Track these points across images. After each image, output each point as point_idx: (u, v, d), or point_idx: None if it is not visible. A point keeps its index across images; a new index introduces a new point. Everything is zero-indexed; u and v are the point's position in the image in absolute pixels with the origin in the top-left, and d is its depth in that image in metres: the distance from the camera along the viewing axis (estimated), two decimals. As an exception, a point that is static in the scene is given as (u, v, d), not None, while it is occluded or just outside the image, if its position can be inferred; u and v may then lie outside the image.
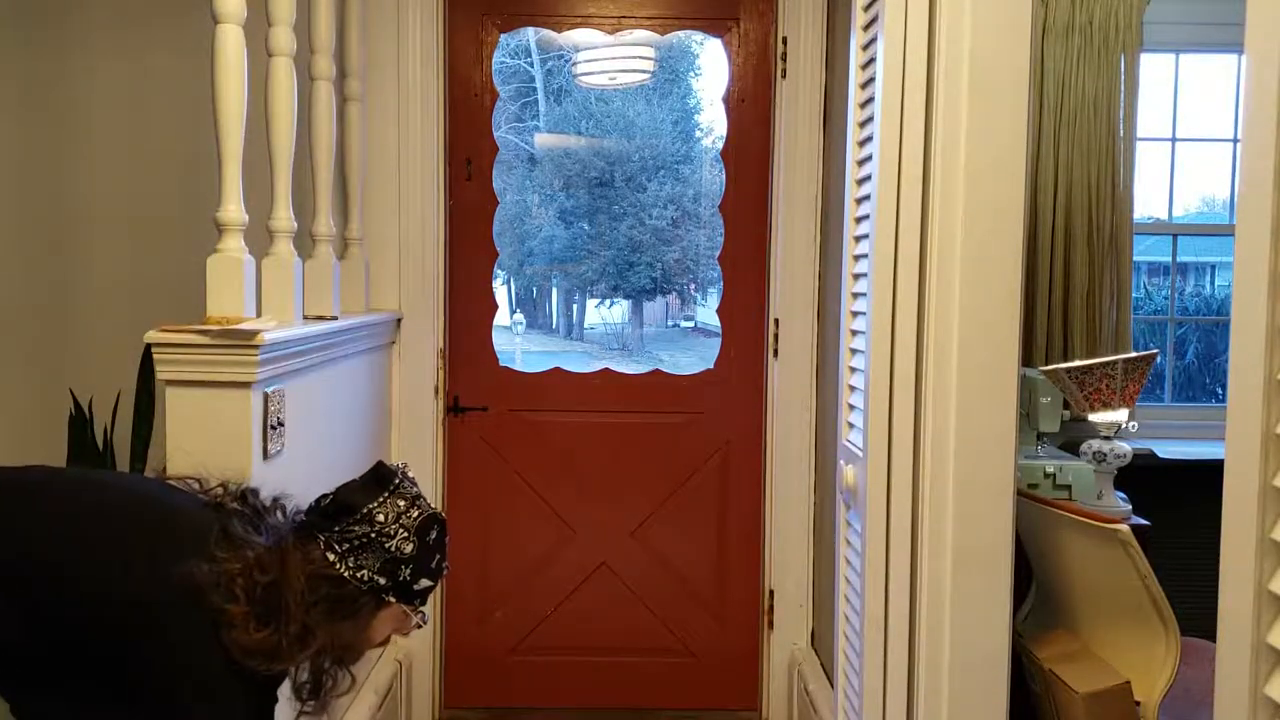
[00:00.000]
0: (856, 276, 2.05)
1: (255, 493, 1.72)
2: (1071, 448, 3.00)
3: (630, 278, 5.47)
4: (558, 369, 3.41)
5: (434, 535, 1.66)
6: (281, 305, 2.25)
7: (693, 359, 4.66)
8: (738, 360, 3.32)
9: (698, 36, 3.52)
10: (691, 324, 6.11)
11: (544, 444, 3.31)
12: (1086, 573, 2.32)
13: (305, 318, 2.41)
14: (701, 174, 4.46)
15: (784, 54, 3.12)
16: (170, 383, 1.92)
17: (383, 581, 1.61)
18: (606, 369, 3.43)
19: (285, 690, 1.76)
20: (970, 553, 1.81)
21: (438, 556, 1.67)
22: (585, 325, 6.20)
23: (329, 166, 2.66)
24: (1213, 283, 5.20)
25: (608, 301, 6.01)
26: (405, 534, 1.62)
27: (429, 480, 3.16)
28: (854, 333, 2.06)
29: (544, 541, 3.32)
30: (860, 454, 1.94)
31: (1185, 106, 3.86)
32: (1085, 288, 3.50)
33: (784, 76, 3.13)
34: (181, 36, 3.01)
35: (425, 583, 1.66)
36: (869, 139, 1.94)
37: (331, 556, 1.59)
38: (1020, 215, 1.78)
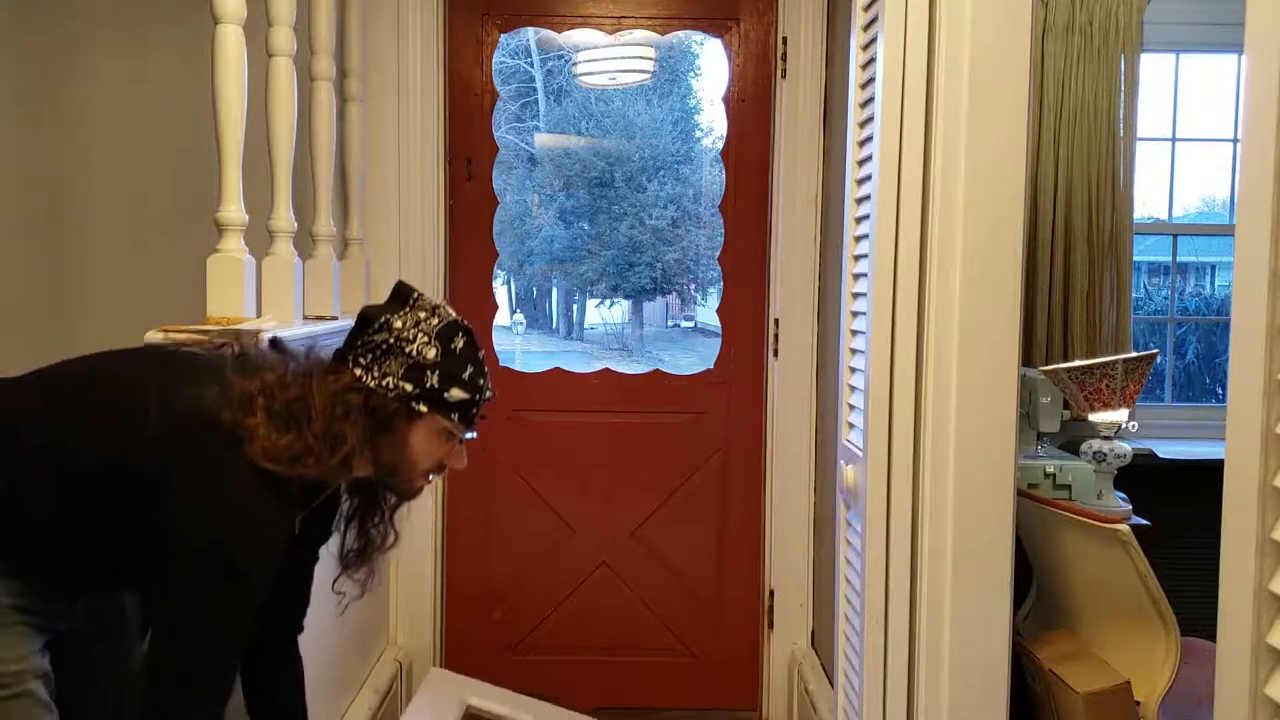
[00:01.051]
0: (856, 276, 2.05)
1: (279, 340, 1.71)
2: (1071, 448, 3.00)
3: (630, 278, 5.47)
4: (558, 369, 3.41)
5: (460, 343, 1.63)
6: (282, 305, 2.25)
7: (693, 359, 4.67)
8: (738, 360, 3.32)
9: (698, 36, 3.52)
10: (691, 324, 6.11)
11: (544, 444, 3.31)
12: (1086, 573, 2.32)
13: (305, 318, 2.41)
14: (701, 174, 4.46)
15: (784, 54, 3.12)
16: (170, 383, 1.92)
17: (409, 389, 1.58)
18: (606, 369, 3.43)
19: (331, 549, 1.73)
20: (970, 552, 1.81)
21: (470, 368, 1.63)
22: (585, 325, 6.21)
23: (329, 166, 2.66)
24: (1213, 283, 5.21)
25: (608, 301, 6.01)
26: (426, 339, 1.59)
27: (429, 480, 3.16)
28: (854, 333, 2.06)
29: (544, 541, 3.32)
30: (860, 454, 1.94)
31: (1185, 106, 3.86)
32: (1085, 288, 3.50)
33: (784, 76, 3.13)
34: (181, 37, 3.01)
35: (458, 393, 1.61)
36: (869, 139, 1.94)
37: (357, 371, 1.58)
38: (1020, 215, 1.78)
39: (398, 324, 1.59)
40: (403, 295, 1.63)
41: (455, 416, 1.64)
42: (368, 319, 1.60)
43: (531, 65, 4.67)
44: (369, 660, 2.93)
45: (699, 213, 4.59)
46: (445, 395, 1.60)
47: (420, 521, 3.12)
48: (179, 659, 1.48)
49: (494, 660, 3.29)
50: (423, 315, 1.62)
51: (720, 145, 3.33)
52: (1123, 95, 3.47)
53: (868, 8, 1.97)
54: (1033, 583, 2.59)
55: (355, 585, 1.77)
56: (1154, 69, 3.75)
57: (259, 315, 2.09)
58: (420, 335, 1.59)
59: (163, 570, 1.47)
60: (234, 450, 1.48)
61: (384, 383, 1.57)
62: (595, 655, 3.33)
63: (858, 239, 2.05)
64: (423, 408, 1.59)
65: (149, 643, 1.52)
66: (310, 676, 1.90)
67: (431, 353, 1.59)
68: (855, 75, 2.07)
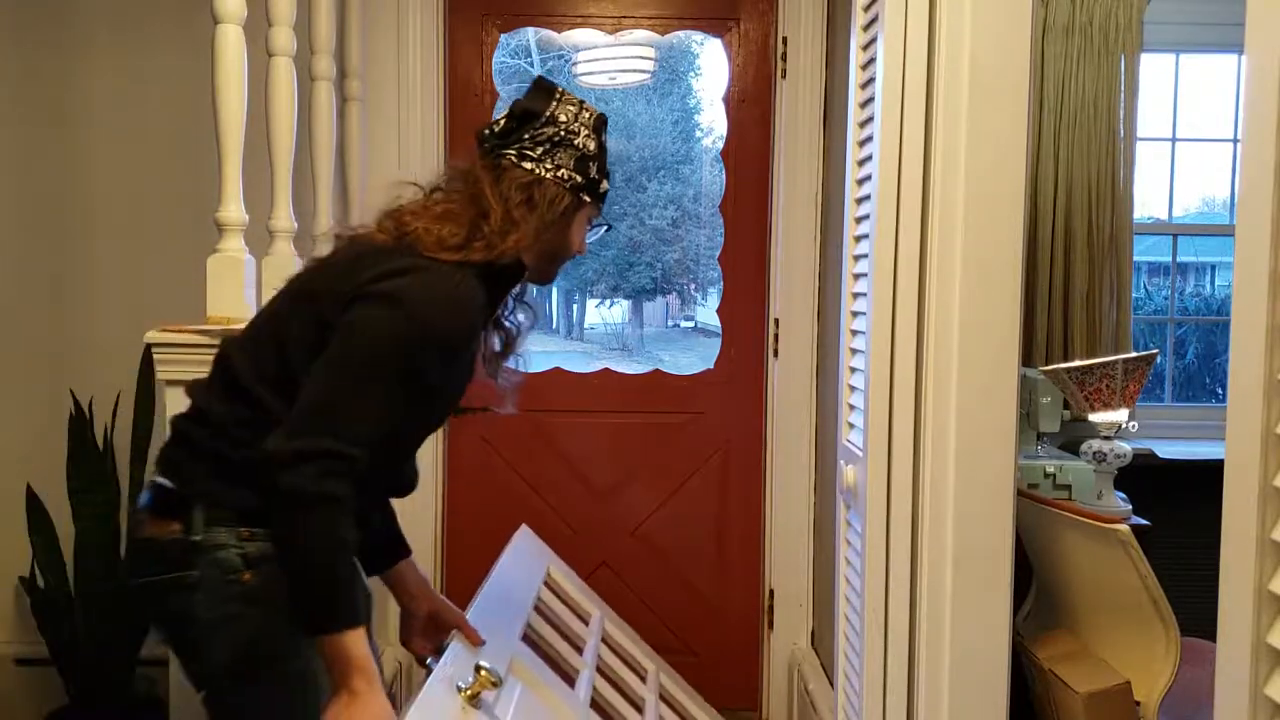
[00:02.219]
0: (856, 276, 2.05)
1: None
2: (1072, 448, 3.00)
3: (630, 278, 5.47)
4: (558, 369, 3.40)
5: (606, 136, 1.73)
6: (282, 305, 2.25)
7: (693, 359, 4.66)
8: (738, 360, 3.32)
9: (698, 36, 3.51)
10: (691, 324, 6.12)
11: (544, 444, 3.31)
12: (1087, 573, 2.32)
13: (305, 318, 2.41)
14: (701, 174, 4.46)
15: (784, 54, 3.12)
16: (170, 382, 1.92)
17: (579, 179, 1.67)
18: (606, 369, 3.43)
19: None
20: (970, 552, 1.81)
21: (606, 158, 1.74)
22: (585, 325, 6.21)
23: (329, 166, 2.66)
24: (1213, 283, 5.21)
25: (608, 301, 6.01)
26: (587, 131, 1.68)
27: (430, 479, 3.16)
28: (854, 333, 2.06)
29: (543, 541, 3.31)
30: (860, 454, 1.94)
31: (1185, 106, 3.86)
32: (1085, 288, 3.50)
33: (784, 76, 3.13)
34: (182, 36, 3.01)
35: (606, 185, 1.73)
36: (869, 139, 1.94)
37: (528, 164, 1.64)
38: (1020, 215, 1.78)
39: (562, 117, 1.67)
40: (549, 87, 1.70)
41: (601, 205, 1.76)
42: (533, 113, 1.66)
43: (532, 65, 4.67)
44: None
45: (699, 213, 4.59)
46: (599, 187, 1.72)
47: (420, 523, 3.12)
48: (349, 394, 1.48)
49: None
50: (574, 107, 1.69)
51: (720, 145, 3.32)
52: (1123, 95, 3.47)
53: (868, 8, 1.97)
54: (1033, 583, 2.59)
55: (514, 374, 1.82)
56: (1154, 69, 3.75)
57: (259, 315, 2.09)
58: (582, 129, 1.68)
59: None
60: (413, 257, 1.56)
61: (559, 174, 1.66)
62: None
63: (858, 239, 2.05)
64: (586, 198, 1.70)
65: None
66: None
67: (592, 145, 1.69)
68: (855, 75, 2.07)
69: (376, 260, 1.55)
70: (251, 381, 1.54)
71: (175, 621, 1.54)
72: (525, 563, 2.48)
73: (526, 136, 1.65)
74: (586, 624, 2.48)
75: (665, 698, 2.54)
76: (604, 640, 2.48)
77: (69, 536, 2.76)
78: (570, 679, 2.12)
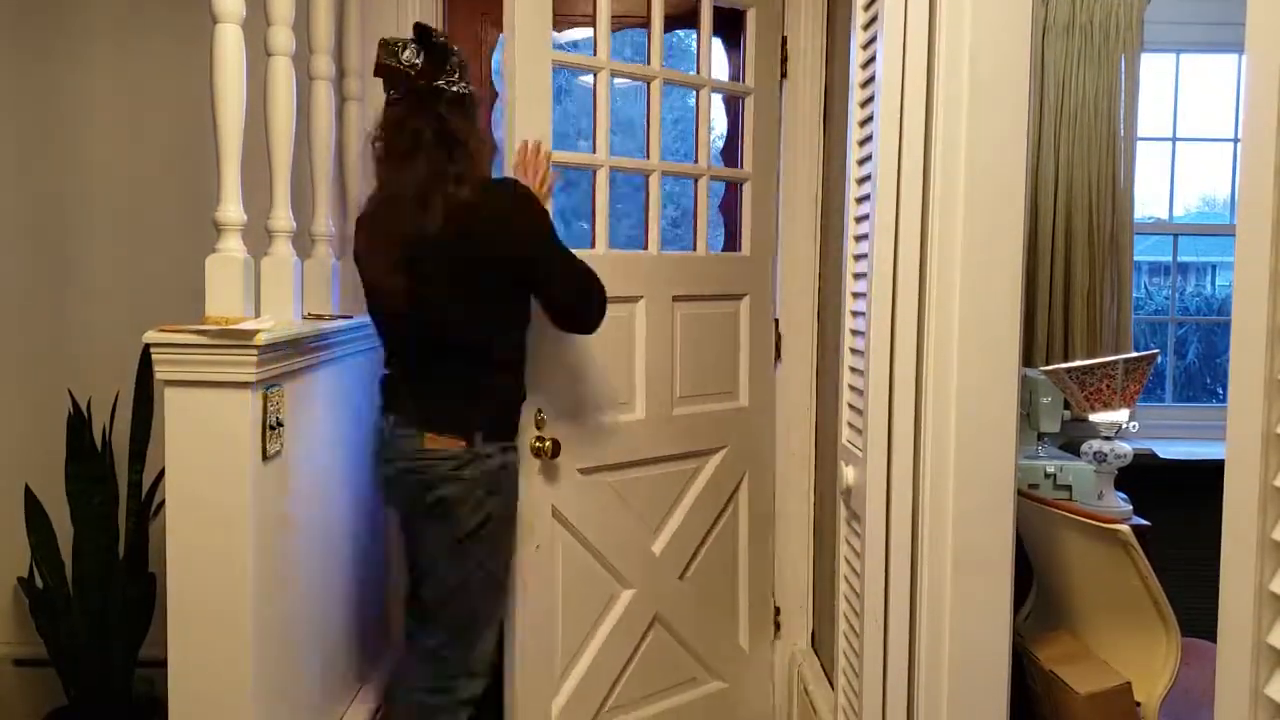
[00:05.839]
0: (857, 276, 2.04)
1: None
2: (1072, 448, 3.00)
3: (630, 277, 5.45)
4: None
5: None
6: (280, 305, 2.25)
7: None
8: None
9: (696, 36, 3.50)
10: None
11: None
12: (1087, 573, 2.32)
13: (304, 317, 2.41)
14: (701, 174, 4.45)
15: (784, 54, 3.11)
16: (169, 383, 1.92)
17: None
18: (606, 369, 3.42)
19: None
20: (971, 553, 1.81)
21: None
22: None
23: (328, 166, 2.66)
24: (1213, 282, 5.21)
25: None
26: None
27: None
28: (854, 333, 2.06)
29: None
30: (860, 455, 1.94)
31: (1186, 106, 3.86)
32: (1086, 288, 3.50)
33: (784, 76, 3.12)
34: (180, 36, 3.01)
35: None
36: (869, 138, 1.94)
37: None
38: (1021, 215, 1.78)
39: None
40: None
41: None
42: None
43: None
44: (375, 659, 2.93)
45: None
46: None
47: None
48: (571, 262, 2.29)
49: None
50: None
51: (720, 144, 3.32)
52: (1123, 95, 3.47)
53: (868, 7, 1.97)
54: (1033, 583, 2.59)
55: None
56: (1154, 69, 3.75)
57: (257, 315, 2.08)
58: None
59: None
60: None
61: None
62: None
63: (858, 239, 2.04)
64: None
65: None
66: (309, 675, 1.91)
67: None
68: (855, 75, 2.07)
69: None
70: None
71: (445, 501, 2.22)
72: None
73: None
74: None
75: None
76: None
77: (68, 537, 2.76)
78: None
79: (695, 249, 2.94)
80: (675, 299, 2.83)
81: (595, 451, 2.68)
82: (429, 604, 2.33)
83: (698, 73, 2.94)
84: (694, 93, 2.98)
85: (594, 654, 2.74)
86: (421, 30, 2.19)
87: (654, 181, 2.81)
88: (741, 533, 3.10)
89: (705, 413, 2.96)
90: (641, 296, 2.75)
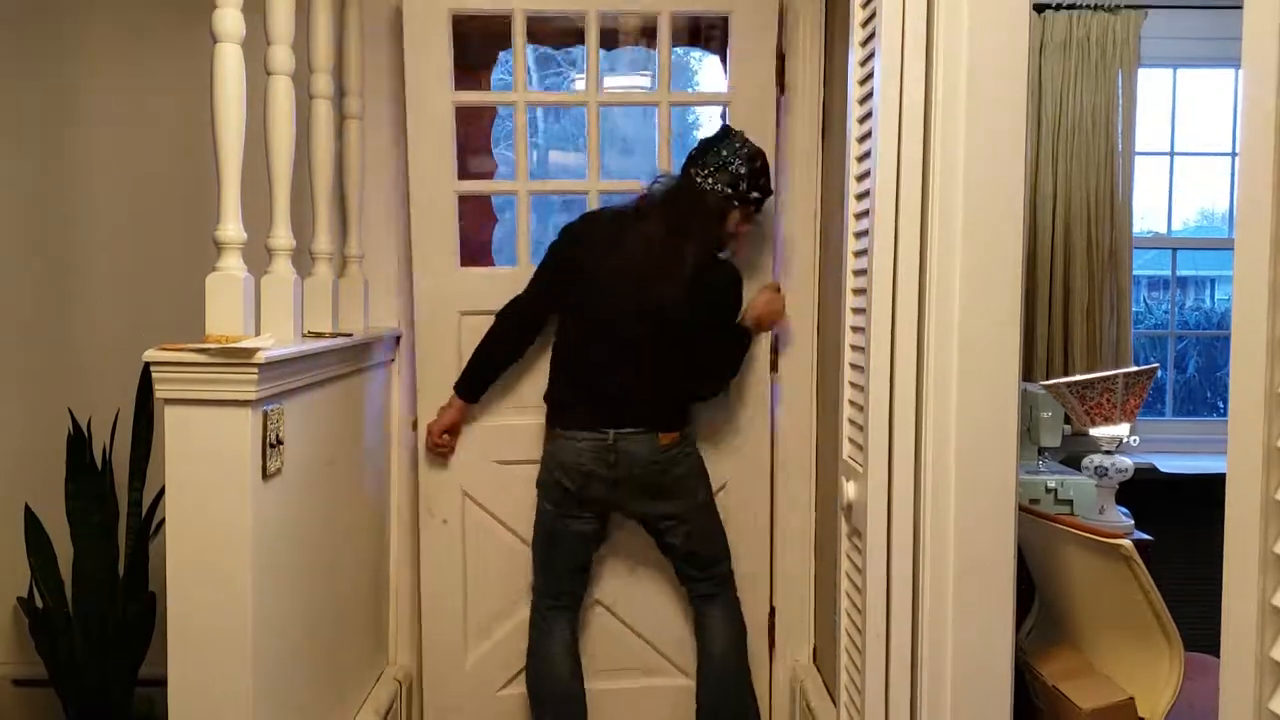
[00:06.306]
0: (856, 292, 2.04)
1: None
2: (1073, 463, 3.00)
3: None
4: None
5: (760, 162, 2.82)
6: (280, 323, 2.25)
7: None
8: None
9: (696, 52, 3.52)
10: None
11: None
12: (1089, 588, 2.31)
13: (304, 335, 2.41)
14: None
15: (782, 69, 3.12)
16: (169, 401, 1.91)
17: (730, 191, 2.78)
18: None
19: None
20: (972, 568, 1.80)
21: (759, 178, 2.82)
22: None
23: (328, 184, 2.66)
24: (1213, 296, 5.21)
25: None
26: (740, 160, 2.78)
27: (429, 498, 3.14)
28: (854, 348, 2.06)
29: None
30: (861, 469, 1.94)
31: (1183, 121, 3.87)
32: (1085, 302, 3.50)
33: (782, 92, 3.13)
34: (180, 55, 3.02)
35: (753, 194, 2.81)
36: (867, 154, 1.94)
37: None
38: (1019, 230, 1.78)
39: (724, 151, 2.78)
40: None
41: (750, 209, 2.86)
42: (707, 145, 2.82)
43: (530, 82, 4.69)
44: (370, 674, 2.92)
45: (698, 229, 4.57)
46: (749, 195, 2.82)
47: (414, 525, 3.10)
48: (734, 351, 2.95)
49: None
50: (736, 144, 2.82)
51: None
52: (1121, 110, 3.48)
53: (865, 24, 1.98)
54: (1035, 598, 2.58)
55: None
56: (1152, 84, 3.77)
57: (258, 333, 2.08)
58: (736, 157, 2.80)
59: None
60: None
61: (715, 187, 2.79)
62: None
63: (857, 254, 2.04)
64: (735, 202, 2.80)
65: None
66: (310, 693, 1.90)
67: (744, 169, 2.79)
68: (853, 91, 2.07)
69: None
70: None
71: (681, 479, 2.85)
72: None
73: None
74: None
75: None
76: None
77: (68, 556, 2.75)
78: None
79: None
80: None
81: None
82: (700, 552, 2.95)
83: (657, 87, 3.06)
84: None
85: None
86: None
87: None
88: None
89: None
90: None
